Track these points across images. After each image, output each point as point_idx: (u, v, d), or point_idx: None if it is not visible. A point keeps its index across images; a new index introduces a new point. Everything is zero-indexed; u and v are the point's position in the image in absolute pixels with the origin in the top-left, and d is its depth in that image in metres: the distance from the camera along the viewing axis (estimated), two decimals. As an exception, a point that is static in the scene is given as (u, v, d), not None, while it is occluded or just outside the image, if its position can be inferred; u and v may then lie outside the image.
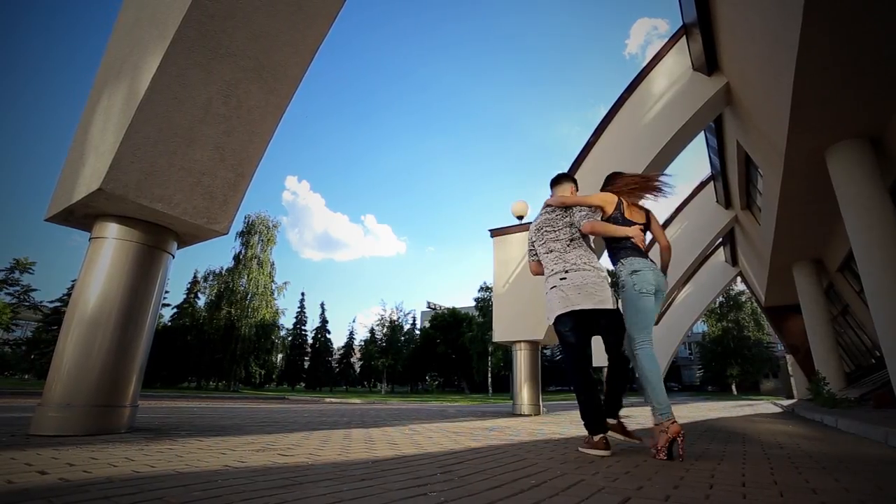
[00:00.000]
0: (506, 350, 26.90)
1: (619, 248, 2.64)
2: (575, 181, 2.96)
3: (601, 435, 2.36)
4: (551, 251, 2.69)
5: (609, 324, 2.54)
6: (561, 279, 2.58)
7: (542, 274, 2.80)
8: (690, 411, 8.37)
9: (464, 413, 7.28)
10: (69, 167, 3.01)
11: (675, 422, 2.21)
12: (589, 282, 2.52)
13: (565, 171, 8.21)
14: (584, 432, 2.53)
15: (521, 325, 7.63)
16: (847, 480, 1.73)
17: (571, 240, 2.66)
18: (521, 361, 7.57)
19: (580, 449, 2.47)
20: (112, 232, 2.91)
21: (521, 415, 7.02)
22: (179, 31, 2.56)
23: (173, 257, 3.26)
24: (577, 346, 2.56)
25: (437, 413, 7.03)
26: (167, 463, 1.78)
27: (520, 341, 7.64)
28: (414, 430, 3.77)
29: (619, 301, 2.63)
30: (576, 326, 2.55)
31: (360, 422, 4.60)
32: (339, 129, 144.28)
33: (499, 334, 7.91)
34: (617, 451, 2.45)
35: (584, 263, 2.58)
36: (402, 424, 4.42)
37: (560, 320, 2.59)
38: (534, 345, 7.66)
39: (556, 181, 2.96)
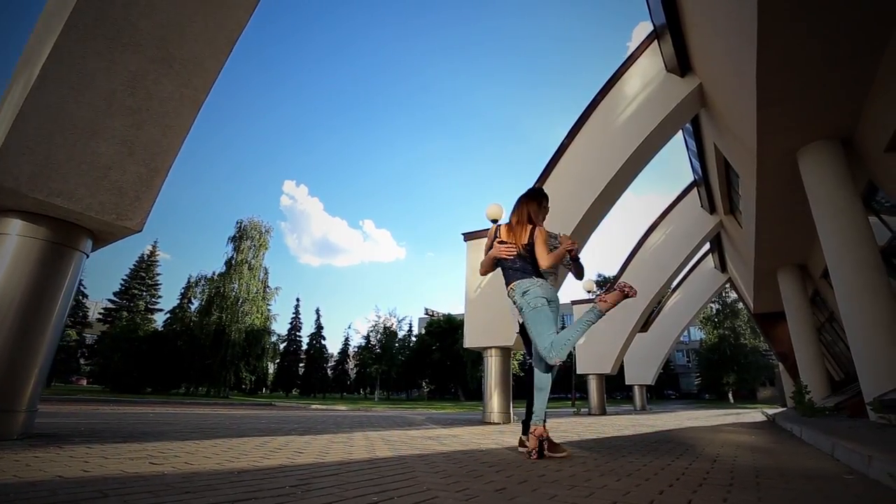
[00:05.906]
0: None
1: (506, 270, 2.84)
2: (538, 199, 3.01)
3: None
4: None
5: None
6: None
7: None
8: (665, 420, 8.14)
9: (434, 421, 7.08)
10: (-27, 161, 2.89)
11: (543, 426, 2.52)
12: None
13: (541, 172, 8.09)
14: (525, 444, 2.73)
15: (493, 330, 7.45)
16: (736, 499, 1.57)
17: None
18: (492, 368, 7.39)
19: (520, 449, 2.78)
20: (14, 228, 2.78)
21: (490, 423, 6.82)
22: (73, 18, 2.45)
23: (87, 256, 3.13)
24: None
25: (406, 421, 6.85)
26: (-1, 474, 1.63)
27: (491, 347, 7.46)
28: (348, 439, 3.60)
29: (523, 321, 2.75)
30: None
31: (305, 429, 4.43)
32: (338, 132, 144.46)
33: (470, 340, 7.74)
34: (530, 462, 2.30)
35: None
36: (348, 432, 4.25)
37: None
38: (505, 351, 7.48)
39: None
